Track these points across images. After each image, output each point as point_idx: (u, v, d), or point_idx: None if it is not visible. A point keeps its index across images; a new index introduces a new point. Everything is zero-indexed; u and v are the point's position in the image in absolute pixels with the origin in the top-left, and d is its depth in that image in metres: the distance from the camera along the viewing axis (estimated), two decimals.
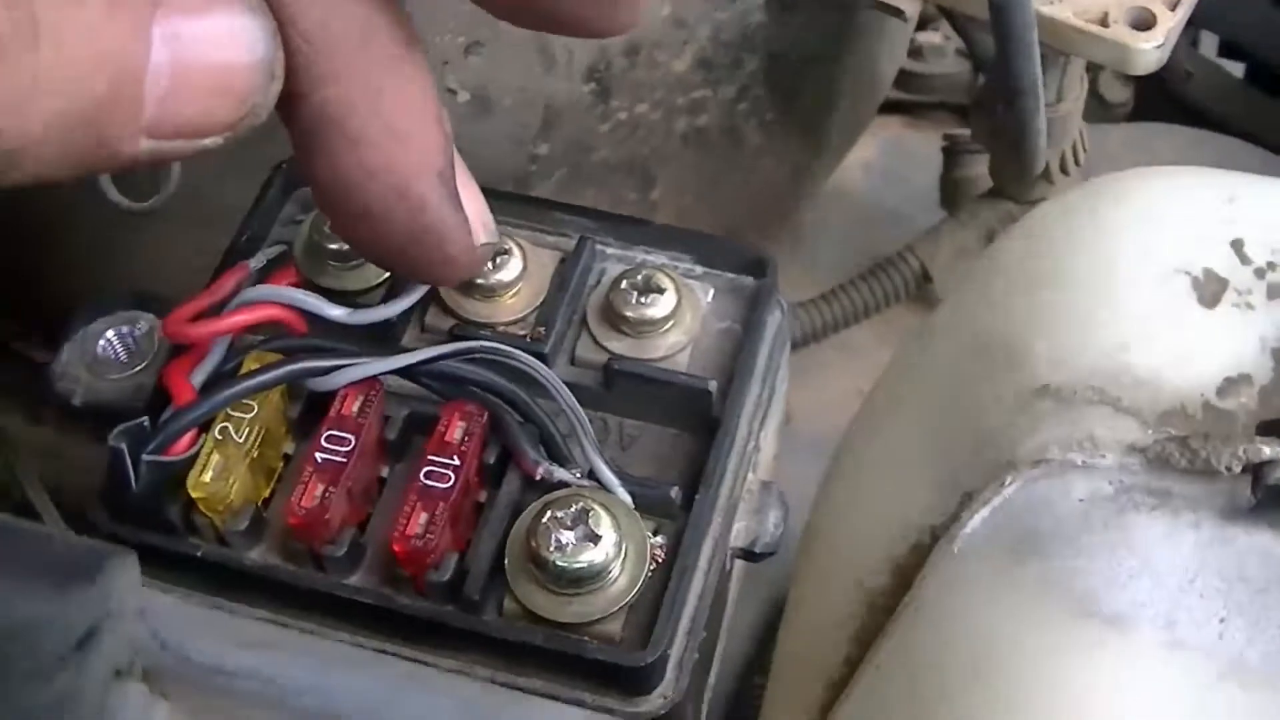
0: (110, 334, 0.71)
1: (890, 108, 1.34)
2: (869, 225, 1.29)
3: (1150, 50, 0.94)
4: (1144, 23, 0.94)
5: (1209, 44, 1.49)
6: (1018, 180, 1.08)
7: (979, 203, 1.16)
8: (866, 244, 1.26)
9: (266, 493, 0.66)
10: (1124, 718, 0.60)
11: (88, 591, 0.51)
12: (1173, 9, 0.95)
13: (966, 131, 1.27)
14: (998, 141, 1.08)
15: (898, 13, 0.97)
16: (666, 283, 0.68)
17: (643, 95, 0.97)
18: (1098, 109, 1.37)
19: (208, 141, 0.49)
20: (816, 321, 1.17)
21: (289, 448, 0.67)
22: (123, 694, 0.54)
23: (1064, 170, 1.09)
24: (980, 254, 1.10)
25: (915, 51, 1.36)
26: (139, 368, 0.70)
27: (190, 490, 0.63)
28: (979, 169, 1.21)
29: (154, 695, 0.56)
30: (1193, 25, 1.00)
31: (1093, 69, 1.16)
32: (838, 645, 0.74)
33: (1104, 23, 0.94)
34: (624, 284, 0.68)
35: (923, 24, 1.37)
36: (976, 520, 0.67)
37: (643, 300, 0.68)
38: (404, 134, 0.53)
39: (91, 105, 0.46)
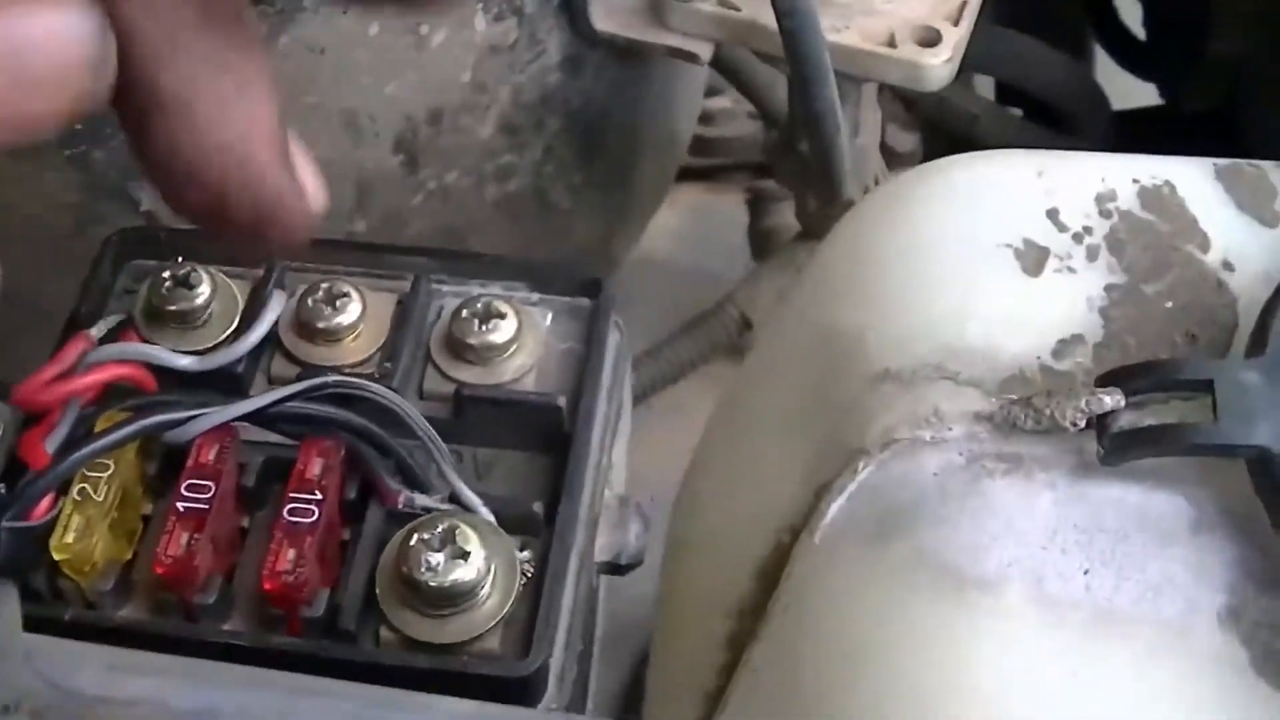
0: None
1: (689, 174, 1.36)
2: (682, 287, 1.31)
3: (939, 65, 0.97)
4: (929, 40, 0.97)
5: (984, 87, 1.53)
6: (830, 212, 1.11)
7: (792, 245, 1.18)
8: (681, 305, 1.28)
9: (129, 554, 0.66)
10: (1006, 679, 0.61)
11: None
12: (955, 24, 0.98)
13: (768, 182, 1.30)
14: (802, 179, 1.10)
15: (692, 57, 0.99)
16: (506, 308, 0.69)
17: (451, 163, 0.98)
18: (888, 160, 1.40)
19: (38, 134, 0.50)
20: (641, 380, 1.18)
21: (147, 508, 0.67)
22: None
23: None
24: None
25: (706, 118, 1.39)
26: None
27: (54, 553, 0.63)
28: (785, 216, 1.23)
29: None
30: (965, 70, 1.03)
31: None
32: (710, 655, 0.75)
33: (891, 43, 0.97)
34: (464, 313, 0.69)
35: (710, 92, 1.40)
36: (834, 509, 0.68)
37: (484, 327, 0.69)
38: (241, 108, 0.53)
39: None
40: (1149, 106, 1.60)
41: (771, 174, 1.41)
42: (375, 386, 0.66)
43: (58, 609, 0.64)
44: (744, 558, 0.75)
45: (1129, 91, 1.59)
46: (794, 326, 0.78)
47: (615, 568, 0.69)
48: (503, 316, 0.69)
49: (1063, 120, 1.54)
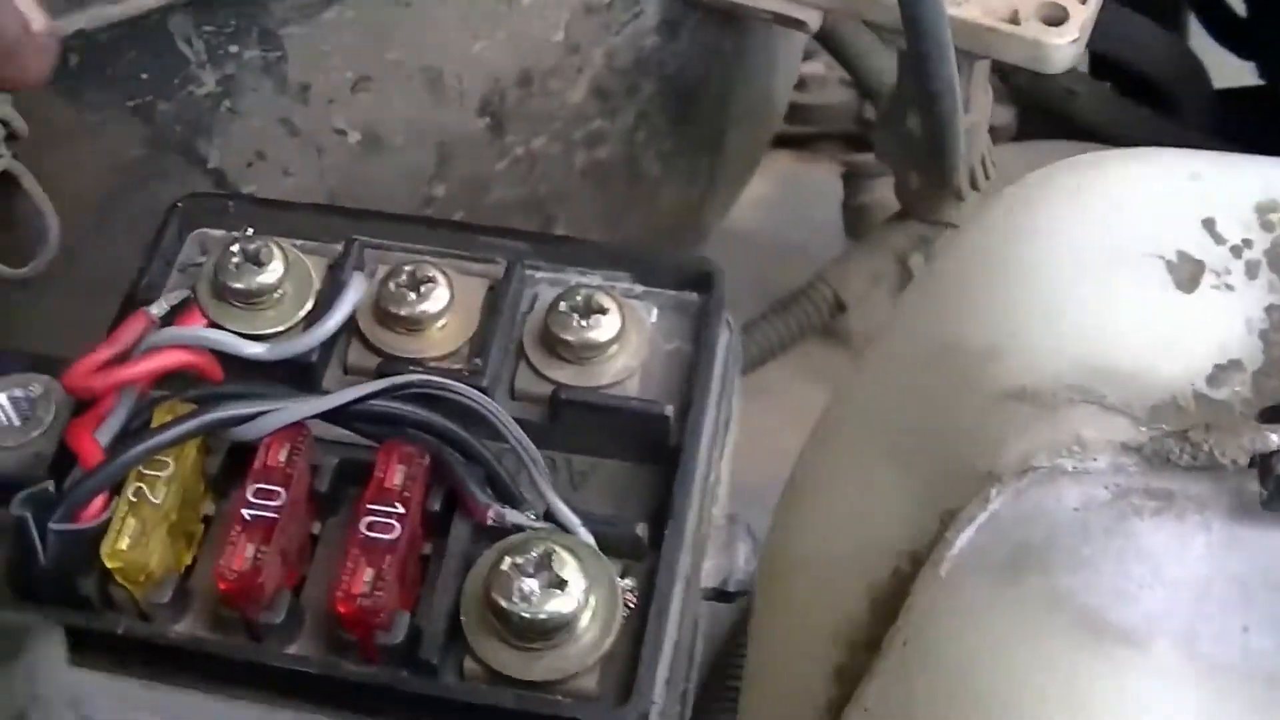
0: (2, 398, 0.64)
1: (778, 142, 1.29)
2: (771, 261, 1.24)
3: (1065, 46, 0.90)
4: (1055, 19, 0.90)
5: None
6: (934, 193, 1.04)
7: (887, 226, 1.11)
8: (771, 281, 1.21)
9: (188, 559, 0.60)
10: None
11: (11, 673, 0.45)
12: (1083, 2, 0.91)
13: (864, 157, 1.23)
14: (905, 159, 1.04)
15: (799, 24, 0.92)
16: (609, 303, 0.63)
17: (539, 128, 0.92)
18: None
19: None
20: None
21: (208, 508, 0.61)
22: None
23: (974, 186, 1.04)
24: (918, 266, 1.07)
25: (798, 84, 1.32)
26: (36, 433, 0.64)
27: (106, 560, 0.57)
28: (881, 193, 1.17)
29: None
30: None
31: None
32: (816, 687, 0.69)
33: (1015, 20, 0.90)
34: (562, 306, 0.63)
35: (804, 56, 1.33)
36: (963, 539, 0.62)
37: (584, 323, 0.63)
38: None
39: None
40: (1249, 86, 1.53)
41: (867, 147, 1.36)
42: (468, 390, 0.60)
43: (109, 620, 0.58)
44: (856, 583, 0.69)
45: (1221, 69, 1.52)
46: (910, 337, 0.72)
47: (722, 594, 0.63)
48: (605, 312, 0.63)
49: (1161, 98, 1.48)
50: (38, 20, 0.52)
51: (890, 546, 0.67)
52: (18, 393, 0.65)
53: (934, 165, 0.95)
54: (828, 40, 1.14)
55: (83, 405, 0.62)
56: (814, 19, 0.92)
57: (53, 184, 0.82)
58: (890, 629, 0.65)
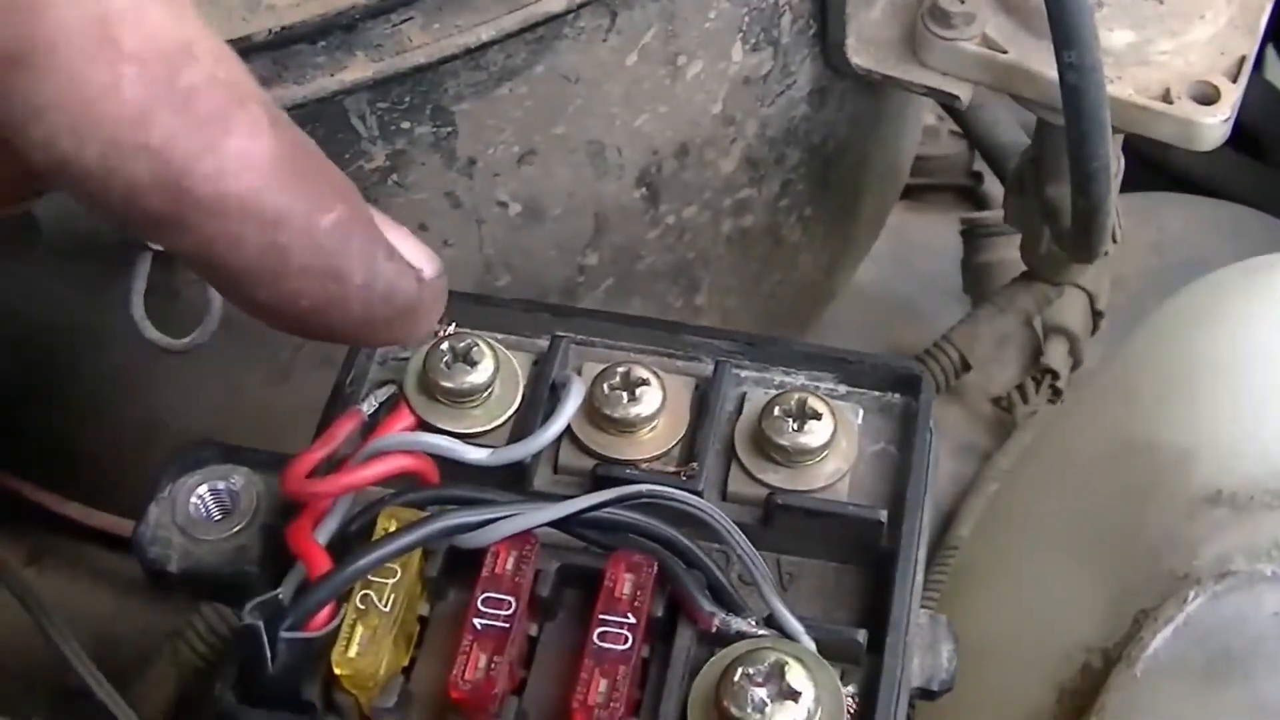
0: (203, 490, 0.65)
1: None
2: (885, 316, 1.24)
3: (1216, 124, 0.90)
4: (1207, 97, 0.90)
5: None
6: (1063, 256, 1.04)
7: (1014, 287, 1.11)
8: (885, 336, 1.22)
9: (405, 660, 0.60)
10: None
11: None
12: (1234, 80, 0.91)
13: (985, 215, 1.23)
14: (1036, 220, 1.04)
15: (952, 99, 0.92)
16: (822, 408, 0.63)
17: (691, 198, 0.92)
18: None
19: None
20: None
21: (424, 609, 0.61)
22: None
23: (1105, 250, 1.05)
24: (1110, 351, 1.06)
25: None
26: (238, 527, 0.64)
27: (336, 668, 0.57)
28: (1004, 252, 1.17)
29: None
30: None
31: None
32: None
33: (1167, 98, 0.90)
34: (776, 411, 0.63)
35: None
36: (1159, 640, 0.63)
37: (799, 427, 0.63)
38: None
39: None
40: None
41: (977, 198, 1.36)
42: (694, 499, 0.60)
43: None
44: (1041, 675, 0.69)
45: None
46: (1094, 432, 0.72)
47: (926, 693, 0.63)
48: (819, 417, 0.63)
49: (1254, 144, 1.48)
50: (429, 265, 0.52)
51: (1079, 642, 0.67)
52: (219, 485, 0.65)
53: (1081, 239, 0.95)
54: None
55: (294, 503, 0.62)
56: (965, 92, 0.92)
57: None
58: None
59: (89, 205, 0.46)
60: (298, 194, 0.47)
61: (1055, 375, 1.14)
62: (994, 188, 1.34)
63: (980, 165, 1.36)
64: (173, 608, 1.02)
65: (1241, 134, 1.42)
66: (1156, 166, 1.42)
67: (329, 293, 0.48)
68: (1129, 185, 1.37)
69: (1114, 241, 1.04)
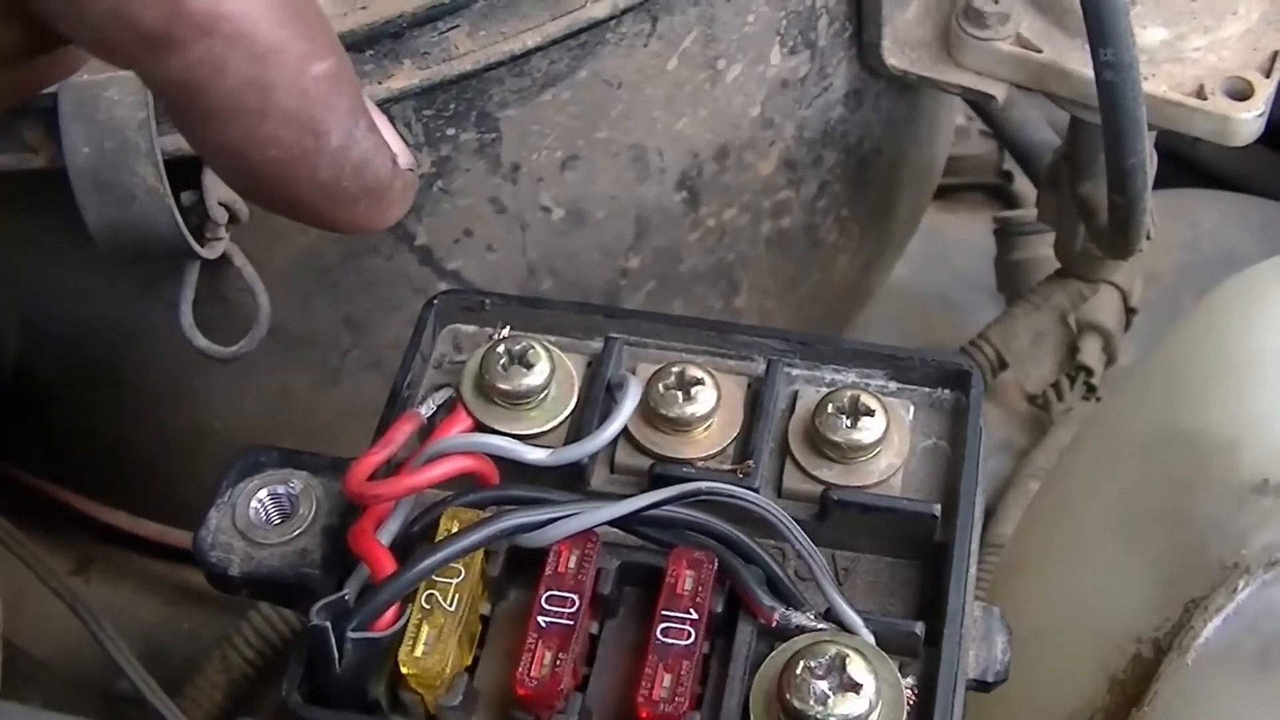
0: (263, 494, 0.66)
1: None
2: (915, 310, 1.25)
3: (1251, 120, 0.91)
4: (1241, 93, 0.91)
5: None
6: (1097, 253, 1.05)
7: (1049, 284, 1.12)
8: (921, 334, 1.23)
9: (468, 659, 0.61)
10: None
11: None
12: (1268, 75, 0.92)
13: (1016, 213, 1.24)
14: (1070, 217, 1.04)
15: (986, 98, 0.93)
16: (874, 404, 0.64)
17: (731, 200, 0.93)
18: None
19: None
20: None
21: (485, 608, 0.62)
22: None
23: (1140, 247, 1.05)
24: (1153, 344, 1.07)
25: None
26: (299, 530, 0.65)
27: (403, 668, 0.58)
28: (1037, 250, 1.18)
29: None
30: None
31: None
32: None
33: (1201, 95, 0.91)
34: (830, 408, 0.64)
35: None
36: (1210, 629, 0.63)
37: (852, 424, 0.64)
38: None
39: None
40: None
41: (1007, 197, 1.37)
42: (754, 496, 0.61)
43: None
44: (1091, 663, 0.69)
45: None
46: (1140, 423, 0.73)
47: (983, 685, 0.64)
48: (871, 414, 0.64)
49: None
50: (404, 156, 0.51)
51: (1130, 632, 0.68)
52: (279, 489, 0.66)
53: (1118, 236, 0.96)
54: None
55: (349, 505, 0.63)
56: (1000, 92, 0.93)
57: (262, 258, 0.83)
58: (1133, 713, 0.66)
59: (76, 21, 0.45)
60: (293, 33, 0.46)
61: (1090, 372, 1.15)
62: (1024, 186, 1.35)
63: (1010, 164, 1.37)
64: (220, 615, 1.03)
65: (1272, 130, 1.42)
66: (1187, 163, 1.43)
67: (302, 146, 0.48)
68: (1160, 182, 1.38)
69: (1148, 238, 1.05)
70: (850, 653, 0.57)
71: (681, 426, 0.64)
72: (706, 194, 0.91)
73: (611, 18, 0.79)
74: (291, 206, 0.50)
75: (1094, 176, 0.98)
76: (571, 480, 0.64)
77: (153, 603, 1.08)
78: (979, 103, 0.95)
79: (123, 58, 0.46)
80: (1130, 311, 1.15)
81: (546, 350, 0.65)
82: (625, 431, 0.65)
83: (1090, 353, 1.14)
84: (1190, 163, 1.42)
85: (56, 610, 0.97)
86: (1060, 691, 0.71)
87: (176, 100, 0.47)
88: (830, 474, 0.64)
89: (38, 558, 0.99)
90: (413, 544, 0.61)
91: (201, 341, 0.83)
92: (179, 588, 1.08)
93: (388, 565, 0.59)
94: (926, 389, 0.67)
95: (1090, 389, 1.15)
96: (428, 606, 0.59)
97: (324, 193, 0.49)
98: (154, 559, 1.08)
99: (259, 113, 0.46)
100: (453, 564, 0.59)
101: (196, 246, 0.79)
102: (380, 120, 0.51)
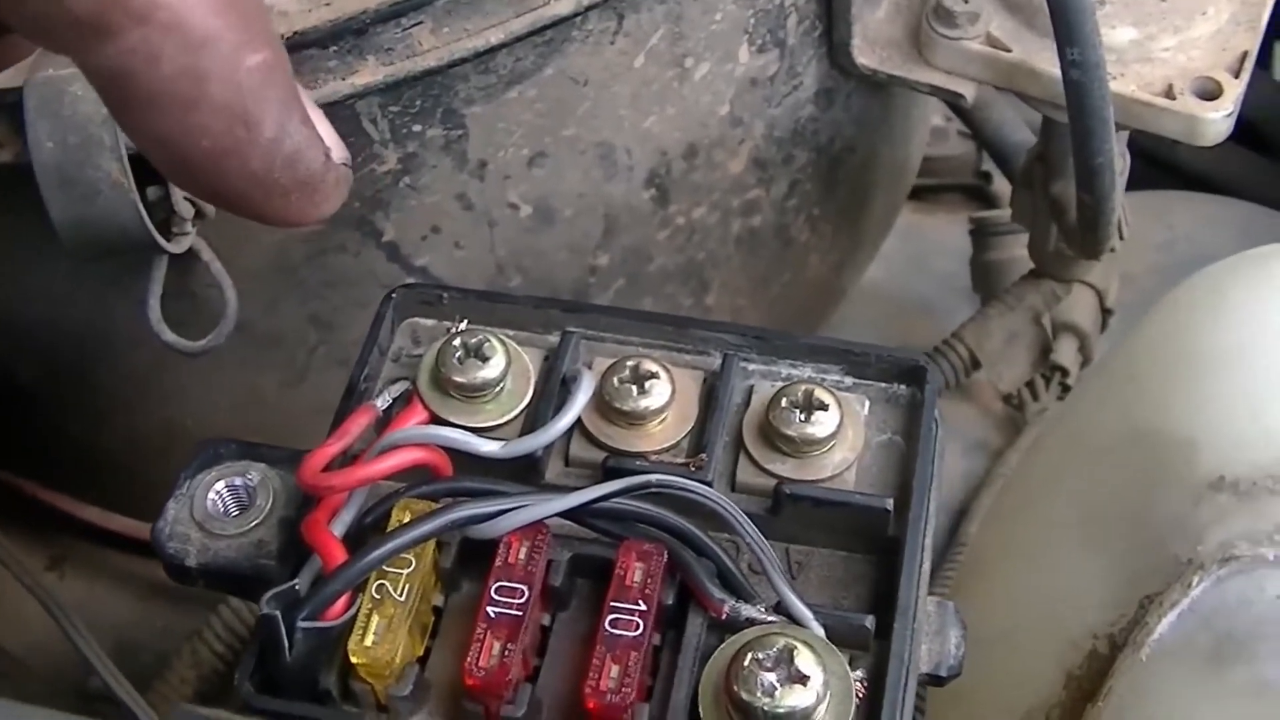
0: (220, 486, 0.66)
1: None
2: (895, 315, 1.25)
3: (1219, 120, 0.91)
4: (1210, 93, 0.91)
5: None
6: (1071, 253, 1.05)
7: (1023, 284, 1.12)
8: (895, 334, 1.23)
9: (420, 650, 0.61)
10: None
11: None
12: (1236, 75, 0.92)
13: (993, 213, 1.24)
14: (1043, 217, 1.05)
15: (956, 97, 0.93)
16: (828, 399, 0.64)
17: (700, 198, 0.93)
18: None
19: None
20: None
21: (438, 600, 0.62)
22: None
23: (1111, 247, 1.05)
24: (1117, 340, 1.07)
25: None
26: (255, 521, 0.65)
27: (353, 657, 0.58)
28: (1012, 250, 1.18)
29: None
30: None
31: None
32: None
33: (1170, 94, 0.91)
34: (784, 402, 0.64)
35: None
36: (1164, 625, 0.63)
37: (806, 418, 0.64)
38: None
39: None
40: None
41: (985, 198, 1.37)
42: (706, 490, 0.61)
43: (350, 714, 0.60)
44: (1048, 660, 0.70)
45: None
46: (1099, 422, 0.73)
47: (936, 679, 0.64)
48: (825, 408, 0.64)
49: (1262, 143, 1.48)
50: (338, 150, 0.51)
51: (1086, 628, 0.68)
52: (236, 481, 0.66)
53: (1087, 235, 0.96)
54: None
55: (306, 497, 0.63)
56: (969, 91, 0.93)
57: (229, 257, 0.83)
58: (1088, 709, 0.66)
59: (14, 5, 0.45)
60: (228, 24, 0.47)
61: (1065, 372, 1.15)
62: (1002, 187, 1.35)
63: (989, 165, 1.37)
64: (192, 610, 1.03)
65: (1250, 132, 1.43)
66: (1165, 165, 1.43)
67: (235, 138, 0.48)
68: (1139, 184, 1.38)
69: (1120, 238, 1.05)
70: (798, 645, 0.57)
71: (636, 420, 0.65)
72: (675, 192, 0.91)
73: (576, 14, 0.79)
74: (223, 197, 0.50)
75: (1065, 176, 0.98)
76: (526, 473, 0.64)
77: (127, 598, 1.08)
78: (953, 102, 0.95)
79: (59, 44, 0.46)
80: (1106, 312, 1.15)
81: (503, 344, 0.65)
82: (580, 425, 0.65)
83: (1065, 353, 1.14)
84: (1171, 165, 1.43)
85: (31, 606, 0.97)
86: (1019, 688, 0.71)
87: (111, 88, 0.47)
88: (784, 468, 0.64)
89: (12, 554, 0.99)
90: (366, 535, 0.61)
91: (170, 336, 0.83)
92: (153, 584, 1.08)
93: (338, 555, 0.59)
94: (882, 384, 0.67)
95: (1065, 389, 1.15)
96: (378, 597, 0.59)
97: (256, 184, 0.49)
98: (128, 555, 1.08)
99: (192, 102, 0.47)
100: (403, 555, 0.60)
101: (162, 241, 0.79)
102: (315, 114, 0.51)
